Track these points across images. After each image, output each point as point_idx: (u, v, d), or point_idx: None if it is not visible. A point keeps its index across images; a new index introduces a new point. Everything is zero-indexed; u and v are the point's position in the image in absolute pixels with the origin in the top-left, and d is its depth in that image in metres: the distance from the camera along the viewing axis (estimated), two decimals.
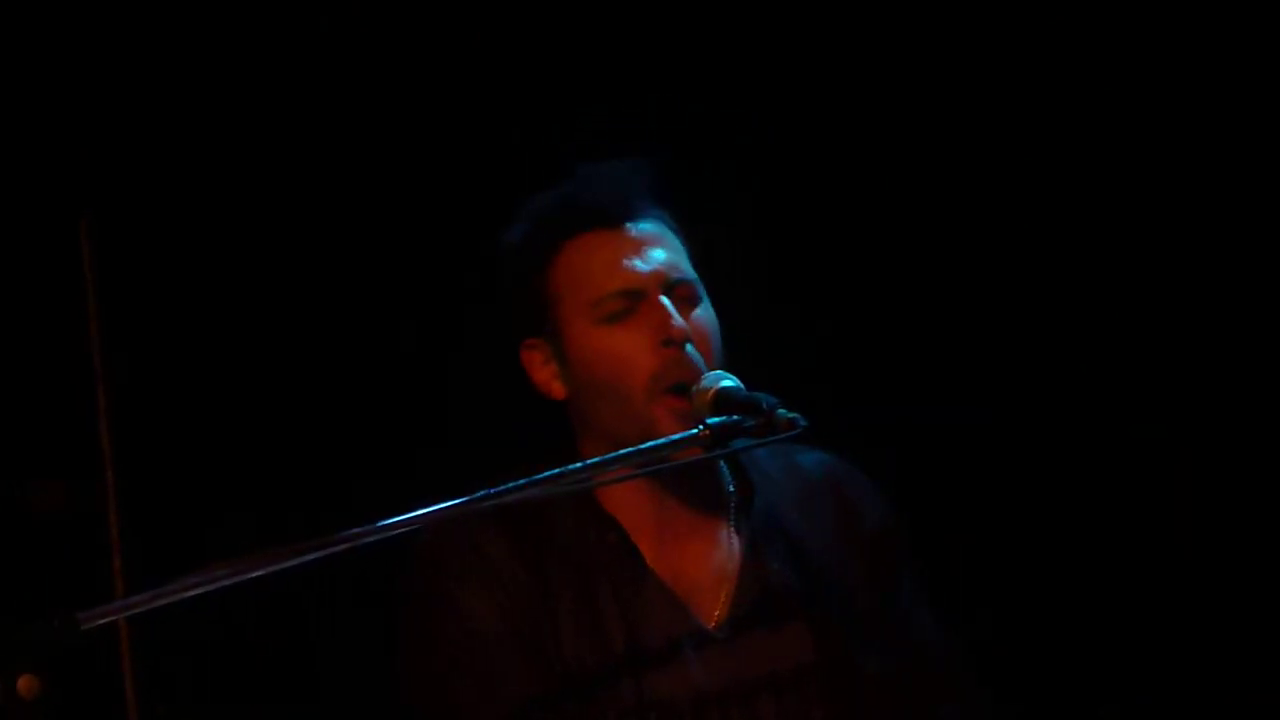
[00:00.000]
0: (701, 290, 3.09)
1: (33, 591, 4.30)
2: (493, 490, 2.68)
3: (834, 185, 4.56)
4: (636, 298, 3.04)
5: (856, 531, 3.14)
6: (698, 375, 3.00)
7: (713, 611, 3.05)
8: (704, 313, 3.08)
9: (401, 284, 4.57)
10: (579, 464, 2.80)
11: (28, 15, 4.48)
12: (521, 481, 2.70)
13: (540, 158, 3.18)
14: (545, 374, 3.12)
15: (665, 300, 3.04)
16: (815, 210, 4.57)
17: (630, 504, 3.04)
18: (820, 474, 3.15)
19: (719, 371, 2.97)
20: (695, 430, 2.83)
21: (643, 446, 2.84)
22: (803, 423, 2.82)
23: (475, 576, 2.98)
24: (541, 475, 2.72)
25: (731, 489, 3.11)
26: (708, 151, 4.42)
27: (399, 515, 2.63)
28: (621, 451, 2.83)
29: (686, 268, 3.09)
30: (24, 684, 2.40)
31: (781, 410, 2.83)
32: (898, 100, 4.55)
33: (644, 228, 3.09)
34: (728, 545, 3.10)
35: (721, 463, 3.11)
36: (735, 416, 2.85)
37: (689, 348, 3.02)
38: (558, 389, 3.11)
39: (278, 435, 4.55)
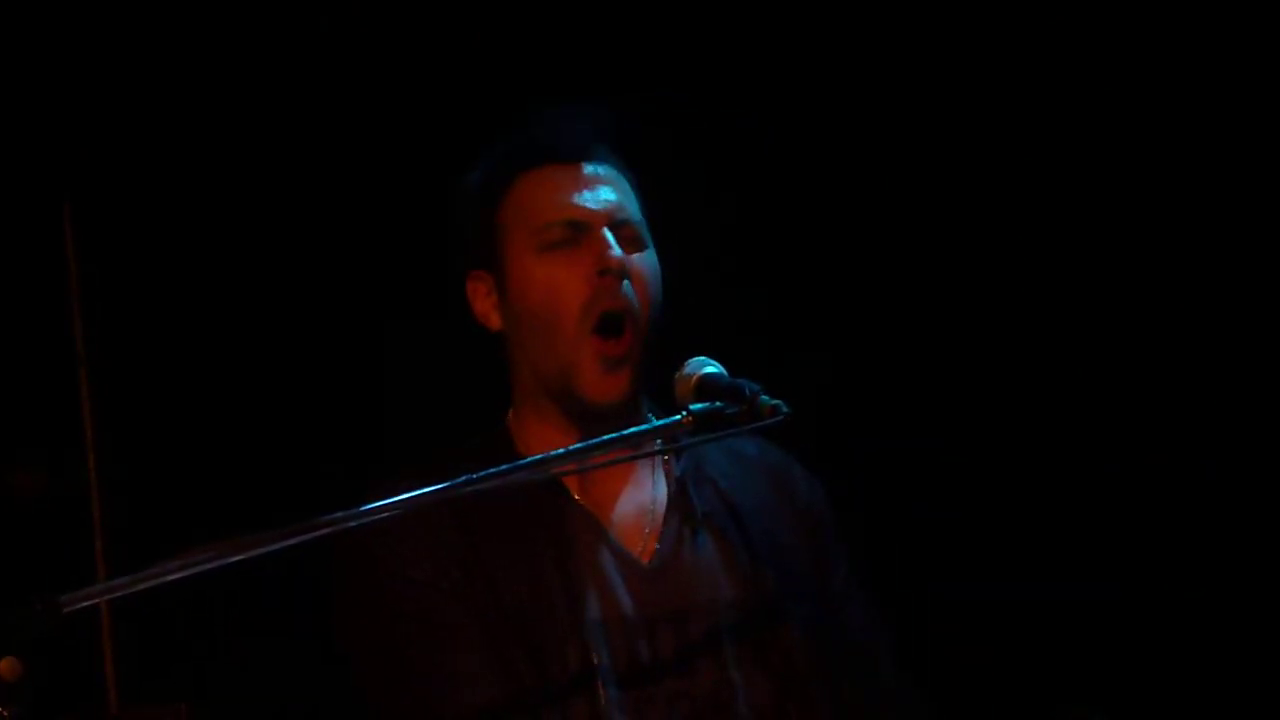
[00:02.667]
0: (648, 237, 3.13)
1: (14, 575, 4.30)
2: (471, 477, 2.68)
3: (810, 184, 4.58)
4: (580, 229, 3.08)
5: (790, 506, 3.18)
6: (628, 309, 3.04)
7: (639, 544, 3.07)
8: (647, 258, 3.11)
9: (380, 268, 4.57)
10: (557, 451, 2.81)
11: (9, 3, 4.48)
12: (503, 468, 2.70)
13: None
14: (486, 305, 3.15)
15: (608, 233, 3.07)
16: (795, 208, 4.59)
17: (553, 445, 3.02)
18: (755, 452, 3.18)
19: (702, 358, 2.97)
20: (679, 416, 2.83)
21: (626, 432, 2.84)
22: (785, 410, 2.82)
23: (405, 523, 2.98)
24: (521, 462, 2.74)
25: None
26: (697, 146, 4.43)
27: (380, 500, 2.64)
28: (605, 437, 2.83)
29: (634, 211, 3.13)
30: (5, 666, 2.41)
31: (764, 397, 2.84)
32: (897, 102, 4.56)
33: (597, 168, 3.13)
34: (653, 484, 3.13)
35: (647, 409, 3.12)
36: (718, 403, 2.85)
37: (625, 283, 3.05)
38: (495, 320, 3.14)
39: (260, 419, 4.55)
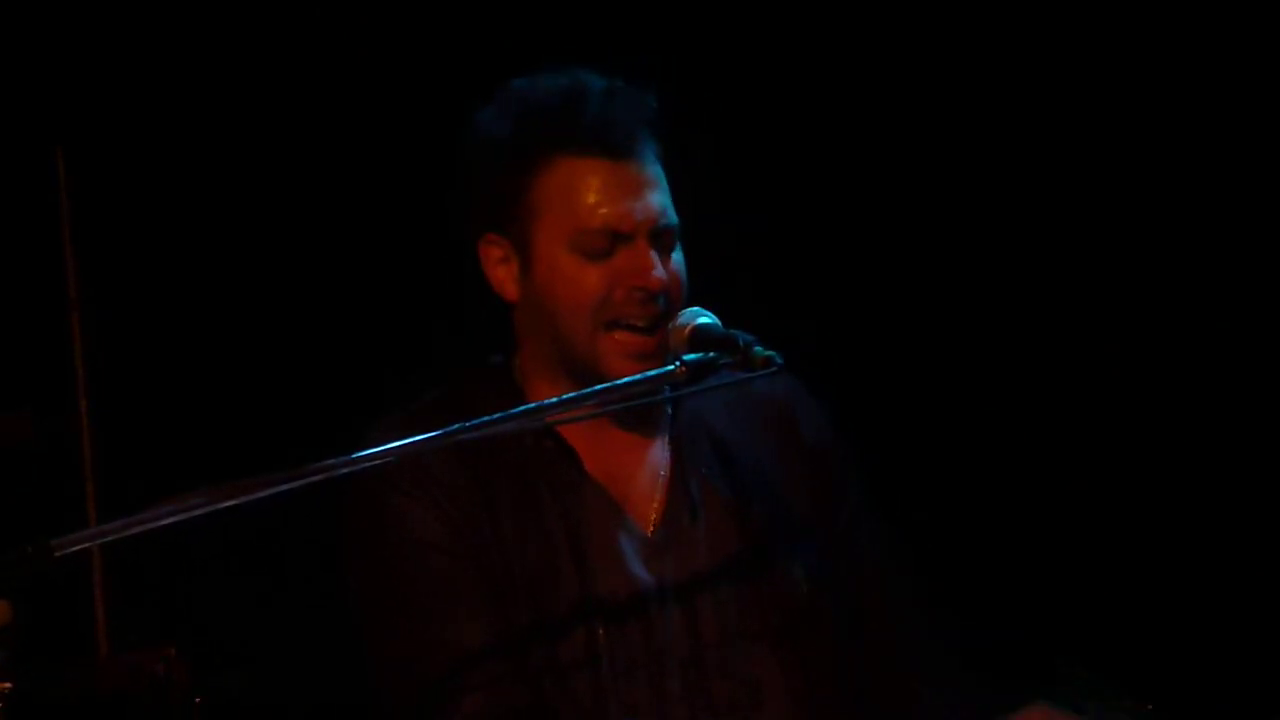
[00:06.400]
0: (678, 235, 3.07)
1: (5, 519, 4.30)
2: (457, 426, 2.67)
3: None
4: (621, 240, 3.01)
5: (796, 445, 3.16)
6: (658, 320, 2.99)
7: (648, 515, 3.07)
8: (678, 258, 3.06)
9: (373, 211, 4.57)
10: (546, 401, 2.81)
11: None
12: (486, 419, 2.69)
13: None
14: (502, 273, 3.08)
15: (649, 249, 3.01)
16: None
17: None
18: (763, 388, 3.10)
19: (696, 308, 2.96)
20: (672, 367, 2.83)
21: (617, 382, 2.83)
22: (779, 360, 2.82)
23: (417, 485, 2.98)
24: (507, 413, 2.72)
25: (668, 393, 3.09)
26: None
27: (381, 444, 2.63)
28: (595, 388, 2.83)
29: (673, 213, 3.05)
30: None
31: (758, 348, 2.83)
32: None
33: (644, 167, 3.04)
34: (660, 451, 3.11)
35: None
36: (711, 353, 2.84)
37: (660, 298, 3.01)
38: (511, 291, 3.08)
39: (252, 364, 4.55)
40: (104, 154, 4.60)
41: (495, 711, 2.91)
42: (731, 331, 2.89)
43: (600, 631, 2.96)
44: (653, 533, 3.05)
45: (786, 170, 4.58)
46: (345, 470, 2.59)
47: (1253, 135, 4.40)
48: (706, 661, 3.00)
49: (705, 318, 2.94)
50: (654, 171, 3.05)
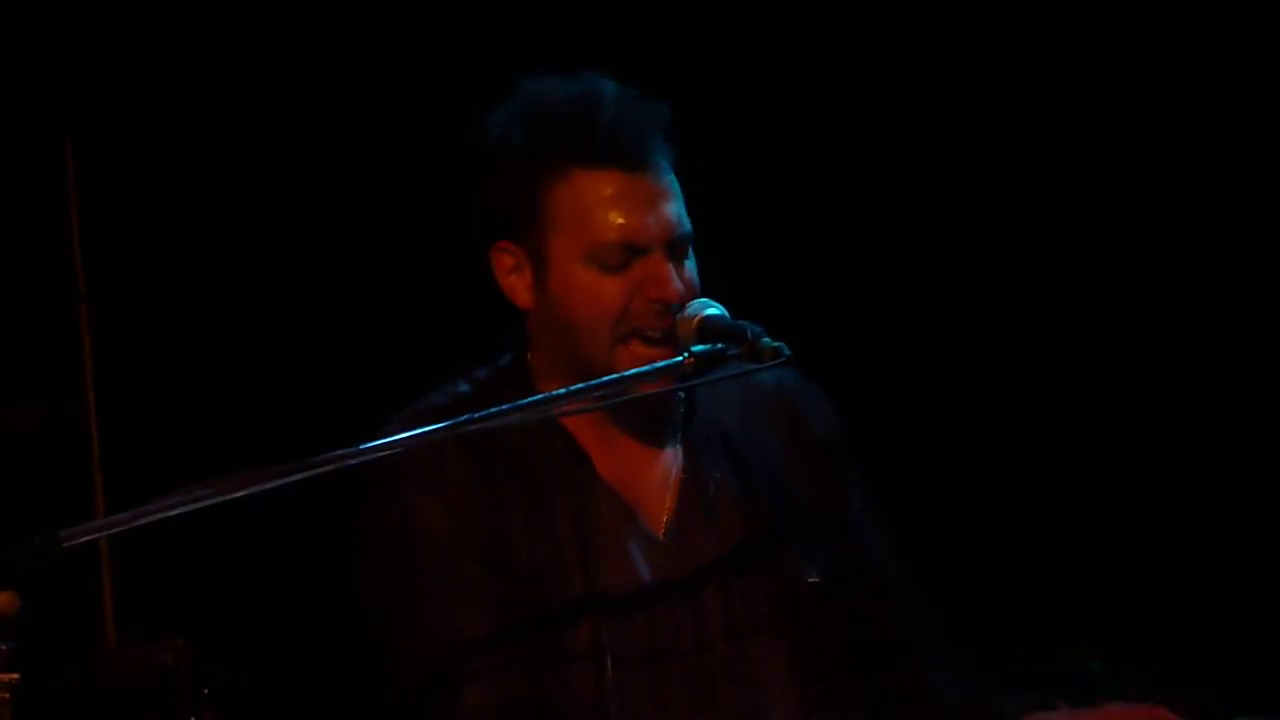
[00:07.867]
0: (691, 242, 3.05)
1: (14, 510, 4.30)
2: (468, 417, 2.67)
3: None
4: (637, 253, 2.99)
5: (805, 442, 3.16)
6: (673, 330, 2.98)
7: (659, 517, 3.06)
8: (691, 265, 3.04)
9: (382, 203, 4.57)
10: (551, 393, 2.82)
11: None
12: (495, 410, 2.70)
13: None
14: (514, 281, 3.06)
15: (666, 261, 2.99)
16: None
17: (579, 417, 3.01)
18: (772, 384, 3.13)
19: (704, 299, 2.96)
20: (680, 358, 2.83)
21: (625, 374, 2.84)
22: (786, 352, 2.82)
23: (427, 480, 2.98)
24: (515, 404, 2.72)
25: (681, 395, 3.09)
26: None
27: (378, 439, 2.64)
28: (597, 380, 2.84)
29: (687, 221, 3.03)
30: (3, 600, 2.41)
31: (766, 339, 2.83)
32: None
33: (659, 177, 3.01)
34: (672, 453, 3.10)
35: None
36: (719, 345, 2.84)
37: (675, 310, 3.00)
38: (524, 299, 3.06)
39: (261, 356, 4.55)
40: (113, 144, 4.60)
41: (497, 705, 2.91)
42: (740, 322, 2.89)
43: (603, 629, 2.96)
44: (664, 535, 3.05)
45: (791, 167, 4.58)
46: (354, 461, 2.59)
47: (1253, 135, 4.40)
48: (711, 663, 3.00)
49: (713, 309, 2.94)
50: (668, 181, 3.02)
